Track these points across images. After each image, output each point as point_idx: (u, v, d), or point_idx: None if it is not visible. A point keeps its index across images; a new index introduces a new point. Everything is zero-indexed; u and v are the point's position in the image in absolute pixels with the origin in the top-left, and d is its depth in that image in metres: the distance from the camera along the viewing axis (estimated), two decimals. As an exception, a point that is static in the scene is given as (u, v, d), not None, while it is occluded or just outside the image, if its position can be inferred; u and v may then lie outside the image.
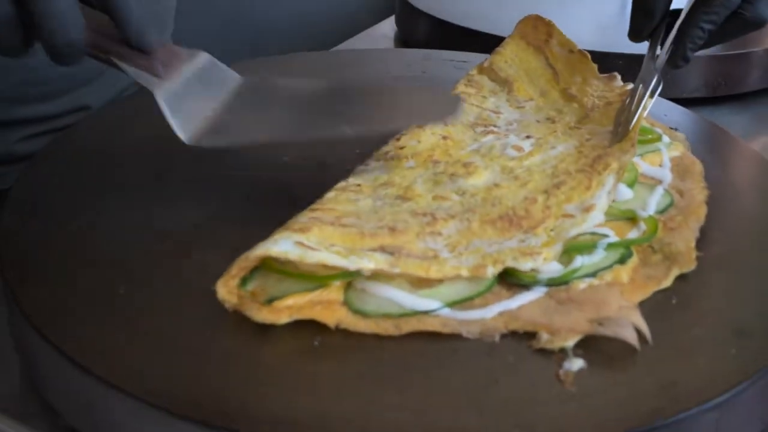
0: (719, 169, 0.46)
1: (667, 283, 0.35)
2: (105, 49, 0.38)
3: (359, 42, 0.83)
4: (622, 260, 0.36)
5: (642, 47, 0.49)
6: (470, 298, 0.34)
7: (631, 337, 0.31)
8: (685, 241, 0.38)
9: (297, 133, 0.41)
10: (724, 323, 0.34)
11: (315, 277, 0.33)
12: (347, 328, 0.32)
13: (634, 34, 0.48)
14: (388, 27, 0.87)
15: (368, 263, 0.33)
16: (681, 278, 0.36)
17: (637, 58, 0.49)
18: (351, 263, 0.33)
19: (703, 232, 0.39)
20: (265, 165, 0.44)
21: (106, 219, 0.40)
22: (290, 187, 0.42)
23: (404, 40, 0.82)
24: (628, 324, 0.32)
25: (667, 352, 0.32)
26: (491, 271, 0.34)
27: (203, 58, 0.41)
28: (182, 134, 0.38)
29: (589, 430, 0.28)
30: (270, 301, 0.33)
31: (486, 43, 0.64)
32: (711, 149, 0.49)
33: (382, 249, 0.34)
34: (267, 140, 0.40)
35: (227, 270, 0.33)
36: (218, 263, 0.33)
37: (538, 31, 0.55)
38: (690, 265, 0.36)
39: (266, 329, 0.32)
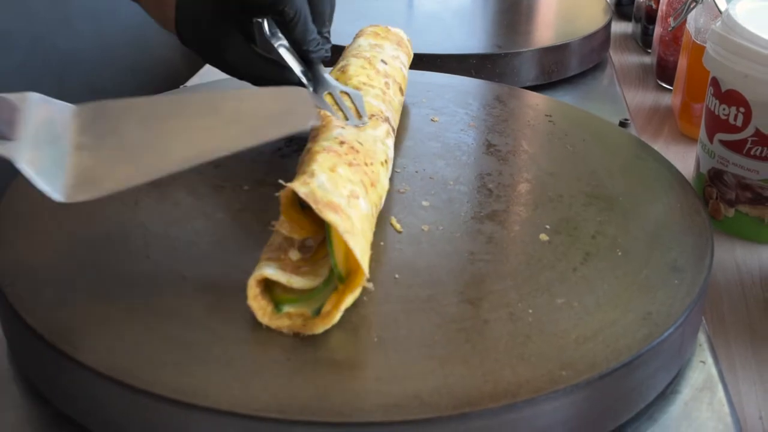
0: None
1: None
2: None
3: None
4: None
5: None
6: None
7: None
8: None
9: (186, 162, 0.36)
10: (662, 264, 0.44)
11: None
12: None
13: None
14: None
15: None
16: (613, 234, 0.46)
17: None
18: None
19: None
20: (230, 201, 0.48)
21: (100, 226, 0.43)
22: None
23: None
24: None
25: (635, 292, 0.41)
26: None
27: (33, 98, 0.36)
28: (57, 195, 0.35)
29: (611, 360, 0.36)
30: (317, 312, 0.37)
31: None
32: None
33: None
34: (152, 178, 0.36)
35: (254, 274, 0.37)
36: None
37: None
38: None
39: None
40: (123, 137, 0.37)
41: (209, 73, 0.83)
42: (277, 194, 0.38)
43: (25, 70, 0.89)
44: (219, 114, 0.39)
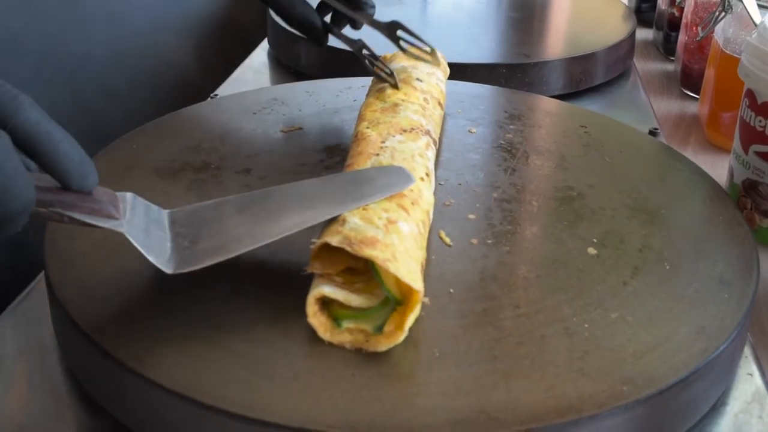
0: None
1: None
2: (47, 203, 0.35)
3: (243, 76, 0.86)
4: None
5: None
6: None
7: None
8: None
9: (273, 236, 0.39)
10: (709, 277, 0.44)
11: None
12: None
13: None
14: (261, 54, 0.91)
15: None
16: (659, 248, 0.46)
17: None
18: None
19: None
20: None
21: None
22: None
23: (282, 63, 0.87)
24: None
25: (686, 306, 0.42)
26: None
27: (128, 195, 0.39)
28: (163, 267, 0.38)
29: (670, 375, 0.37)
30: (379, 329, 0.38)
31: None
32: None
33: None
34: (247, 249, 0.39)
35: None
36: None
37: None
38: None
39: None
40: (219, 223, 0.41)
41: (235, 83, 0.84)
42: (311, 246, 0.39)
43: (37, 74, 0.89)
44: (317, 196, 0.42)
